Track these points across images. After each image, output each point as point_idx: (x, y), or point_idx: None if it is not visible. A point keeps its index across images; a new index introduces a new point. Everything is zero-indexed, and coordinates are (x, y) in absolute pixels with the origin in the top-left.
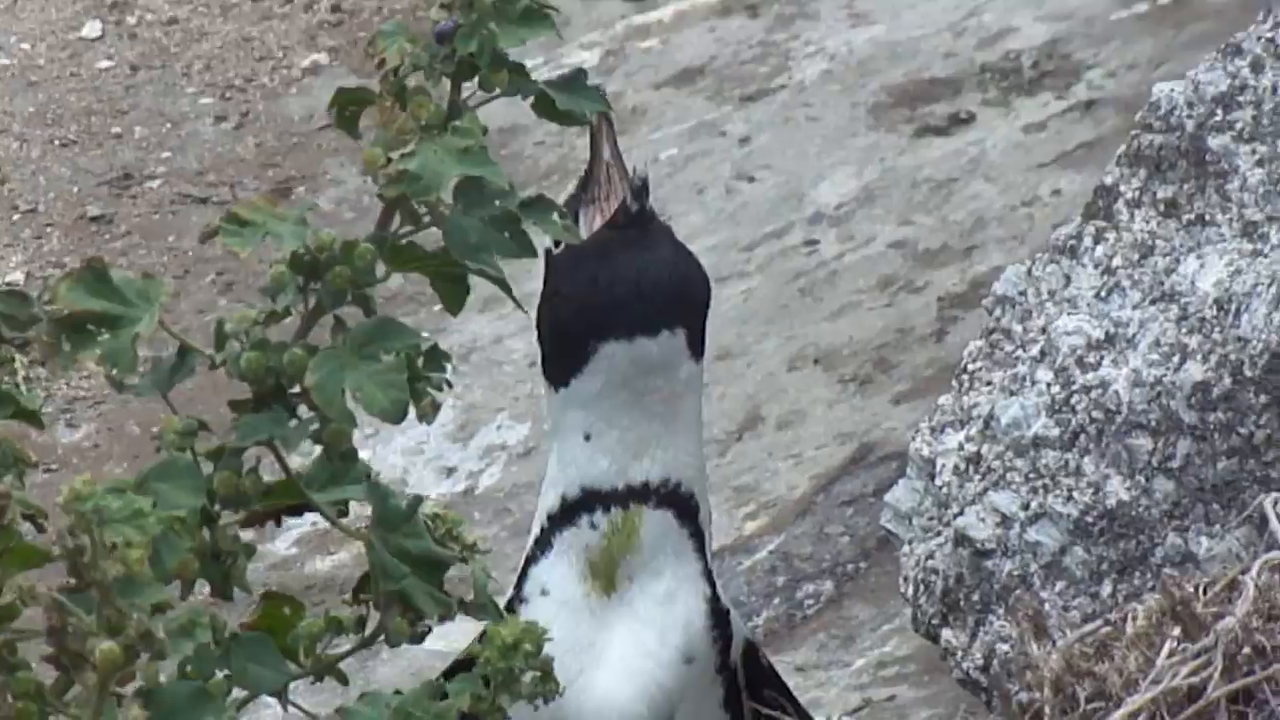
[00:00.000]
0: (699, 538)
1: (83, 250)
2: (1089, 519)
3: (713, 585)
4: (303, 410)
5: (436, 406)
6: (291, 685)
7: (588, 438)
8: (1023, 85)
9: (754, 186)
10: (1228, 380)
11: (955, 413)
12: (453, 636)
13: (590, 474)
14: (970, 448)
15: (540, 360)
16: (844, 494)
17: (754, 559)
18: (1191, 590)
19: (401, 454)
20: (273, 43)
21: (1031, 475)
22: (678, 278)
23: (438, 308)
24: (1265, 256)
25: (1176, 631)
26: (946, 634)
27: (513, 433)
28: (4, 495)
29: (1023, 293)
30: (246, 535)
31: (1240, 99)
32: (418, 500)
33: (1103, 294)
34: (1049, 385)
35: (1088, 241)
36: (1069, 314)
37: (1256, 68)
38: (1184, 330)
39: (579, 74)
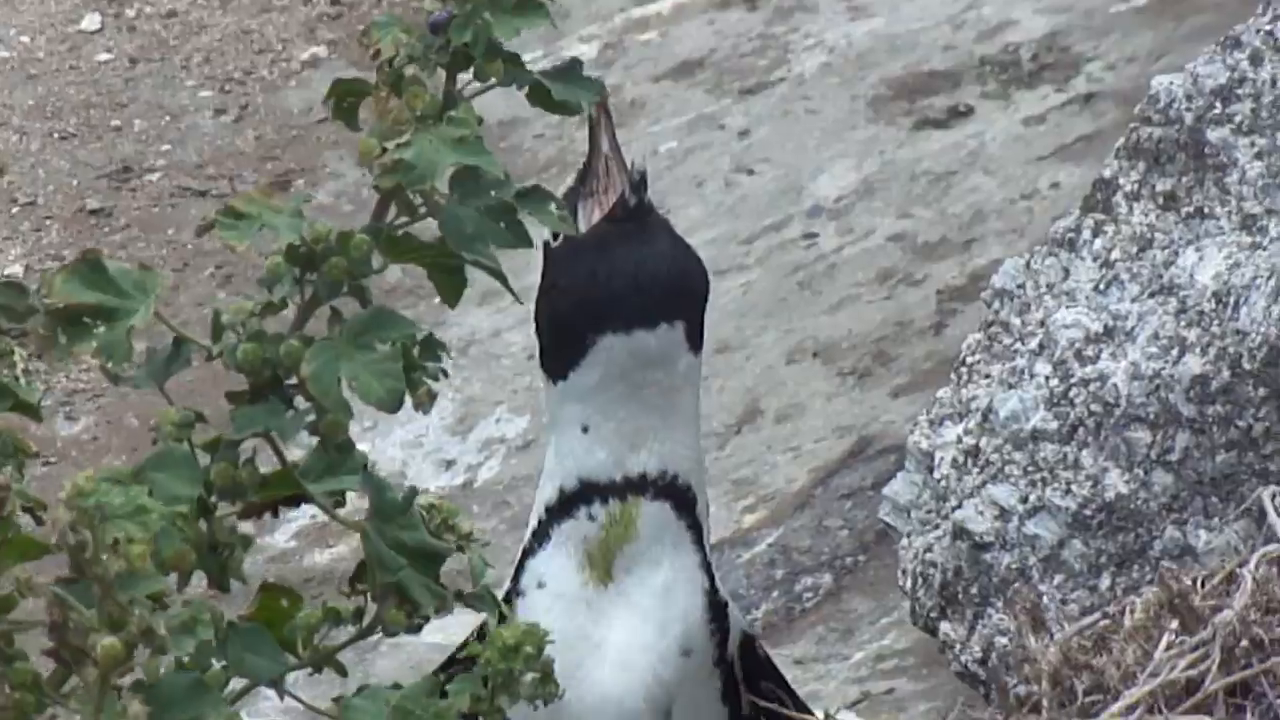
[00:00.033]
0: (697, 530)
1: (82, 243)
2: (1087, 512)
3: (711, 577)
4: (300, 402)
5: (433, 396)
6: (290, 676)
7: (585, 430)
8: (1022, 78)
9: (753, 179)
10: (1226, 373)
11: (954, 406)
12: (451, 629)
13: (588, 466)
14: (969, 441)
15: (538, 353)
16: (843, 487)
17: (753, 552)
18: (1190, 583)
19: (400, 447)
20: (272, 35)
21: (1030, 468)
22: (676, 271)
23: (437, 301)
24: (1264, 249)
25: (1174, 624)
26: (945, 627)
27: (511, 426)
28: (3, 487)
29: (1021, 286)
30: (244, 527)
31: (1239, 92)
32: (414, 492)
33: (1101, 287)
34: (1048, 378)
35: (1086, 234)
36: (1068, 307)
37: (1255, 60)
38: (1183, 323)
39: (574, 64)
